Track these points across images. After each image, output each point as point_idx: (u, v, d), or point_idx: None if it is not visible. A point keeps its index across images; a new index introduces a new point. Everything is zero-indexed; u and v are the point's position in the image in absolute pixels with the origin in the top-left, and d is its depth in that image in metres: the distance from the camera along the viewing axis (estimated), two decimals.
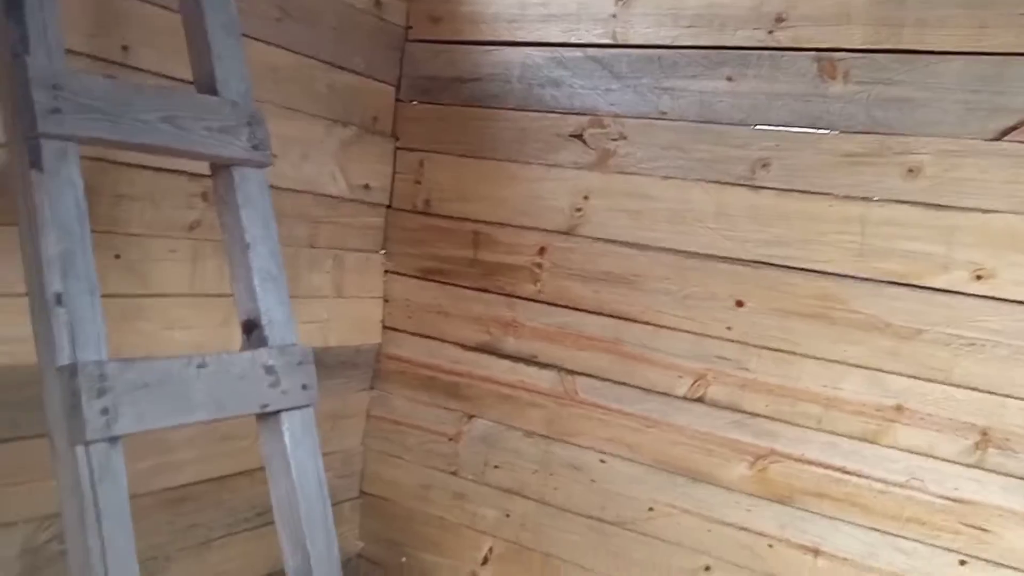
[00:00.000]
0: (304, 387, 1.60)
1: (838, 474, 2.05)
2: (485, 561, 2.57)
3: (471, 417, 2.60)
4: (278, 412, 1.56)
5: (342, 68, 2.44)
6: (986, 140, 1.85)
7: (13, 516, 1.81)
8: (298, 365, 1.59)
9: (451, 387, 2.63)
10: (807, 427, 2.09)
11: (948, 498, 1.93)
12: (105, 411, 1.26)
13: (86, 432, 1.24)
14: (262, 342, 1.57)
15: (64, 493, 1.27)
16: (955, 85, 1.88)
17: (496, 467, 2.55)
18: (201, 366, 1.42)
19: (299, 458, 1.58)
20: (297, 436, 1.58)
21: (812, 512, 2.09)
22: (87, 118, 1.32)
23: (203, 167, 1.71)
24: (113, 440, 1.28)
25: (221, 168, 1.60)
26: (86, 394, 1.24)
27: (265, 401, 1.53)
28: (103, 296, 1.32)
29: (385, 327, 2.74)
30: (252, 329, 1.59)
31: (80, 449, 1.25)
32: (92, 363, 1.26)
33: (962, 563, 1.92)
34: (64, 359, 1.25)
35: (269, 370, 1.54)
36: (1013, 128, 1.83)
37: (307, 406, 1.61)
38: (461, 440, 2.61)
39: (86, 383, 1.24)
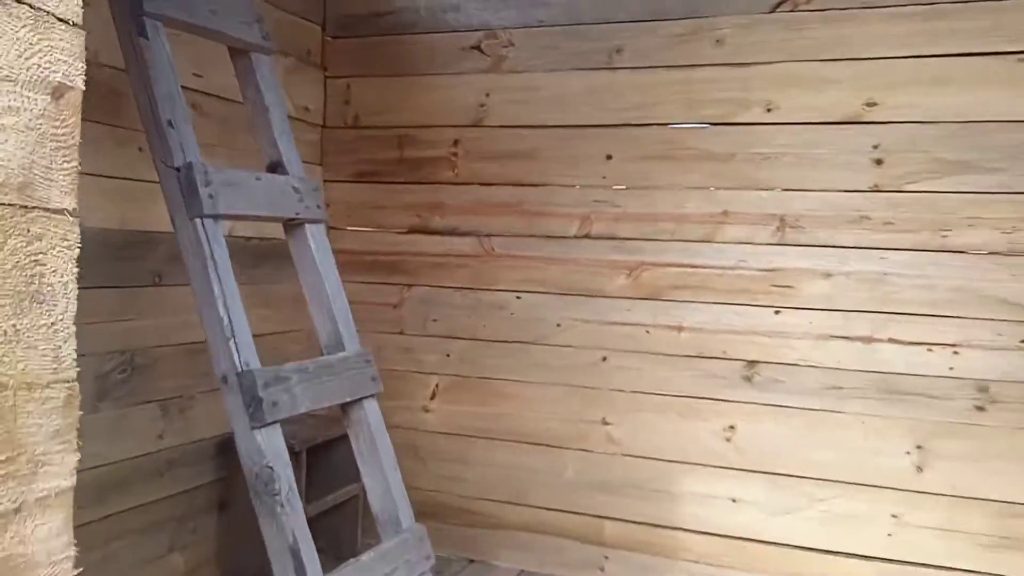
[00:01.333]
0: (318, 207, 2.24)
1: (689, 269, 2.87)
2: (433, 396, 3.24)
3: (410, 286, 3.26)
4: (303, 223, 2.20)
5: (282, 10, 3.06)
6: (765, 13, 2.71)
7: (85, 350, 2.33)
8: (313, 191, 2.23)
9: (391, 266, 3.28)
10: (665, 240, 2.89)
11: (763, 270, 2.78)
12: (210, 196, 1.88)
13: (202, 208, 1.85)
14: (284, 175, 2.20)
15: (188, 257, 1.87)
16: None
17: (434, 320, 3.22)
18: (258, 179, 2.05)
19: (321, 256, 2.22)
20: (318, 240, 2.22)
21: (674, 301, 2.89)
22: (171, 3, 1.92)
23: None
24: (216, 217, 1.89)
25: (240, 53, 2.22)
26: (200, 182, 1.85)
27: (297, 211, 2.16)
28: None
29: (331, 228, 3.35)
30: (276, 167, 2.22)
31: (198, 221, 1.85)
32: (198, 163, 1.87)
33: (776, 312, 2.77)
34: (179, 162, 1.86)
35: (296, 190, 2.17)
36: (782, 2, 2.69)
37: (322, 221, 2.25)
38: (403, 306, 3.27)
39: (198, 176, 1.85)
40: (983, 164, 2.54)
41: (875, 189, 2.65)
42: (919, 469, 2.65)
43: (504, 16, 3.03)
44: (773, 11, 2.71)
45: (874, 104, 2.63)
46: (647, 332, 2.93)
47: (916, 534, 2.66)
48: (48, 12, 0.83)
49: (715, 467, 2.85)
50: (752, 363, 2.80)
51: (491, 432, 3.12)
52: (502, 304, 3.12)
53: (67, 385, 0.90)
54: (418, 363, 3.26)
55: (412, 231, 3.24)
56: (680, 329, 2.89)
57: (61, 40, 0.85)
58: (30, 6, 0.81)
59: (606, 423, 2.96)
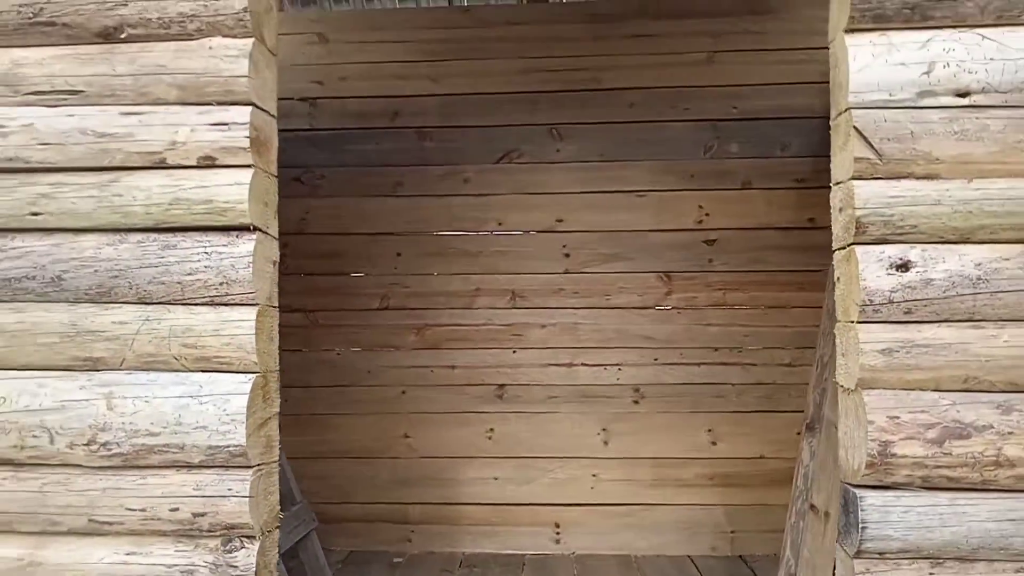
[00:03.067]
0: None
1: (457, 327, 4.31)
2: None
3: None
4: None
5: None
6: (493, 164, 4.29)
7: None
8: None
9: None
10: (439, 309, 4.31)
11: (504, 324, 4.30)
12: None
13: None
14: None
15: None
16: None
17: None
18: None
19: None
20: None
21: (448, 349, 4.31)
22: None
23: None
24: None
25: None
26: None
27: None
28: None
29: None
30: None
31: None
32: None
33: (514, 352, 4.29)
34: None
35: None
36: (502, 158, 4.28)
37: None
38: None
39: None
40: (623, 255, 4.27)
41: (566, 272, 4.28)
42: (606, 443, 4.26)
43: (319, 158, 4.34)
44: (498, 163, 4.29)
45: (562, 220, 4.27)
46: (431, 371, 4.31)
47: (608, 485, 4.25)
48: None
49: (482, 457, 4.27)
50: (501, 386, 4.28)
51: (323, 452, 4.30)
52: (326, 360, 4.34)
53: None
54: None
55: None
56: (453, 367, 4.31)
57: None
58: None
59: (407, 436, 4.28)
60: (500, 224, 4.32)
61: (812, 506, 3.27)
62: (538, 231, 4.31)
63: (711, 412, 4.23)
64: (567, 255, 4.30)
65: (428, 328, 4.30)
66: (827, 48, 1.97)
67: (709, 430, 4.22)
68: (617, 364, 4.28)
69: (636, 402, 4.28)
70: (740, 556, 4.14)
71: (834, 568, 2.43)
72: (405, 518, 4.27)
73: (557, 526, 4.26)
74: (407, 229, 4.31)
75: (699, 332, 4.25)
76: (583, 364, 4.29)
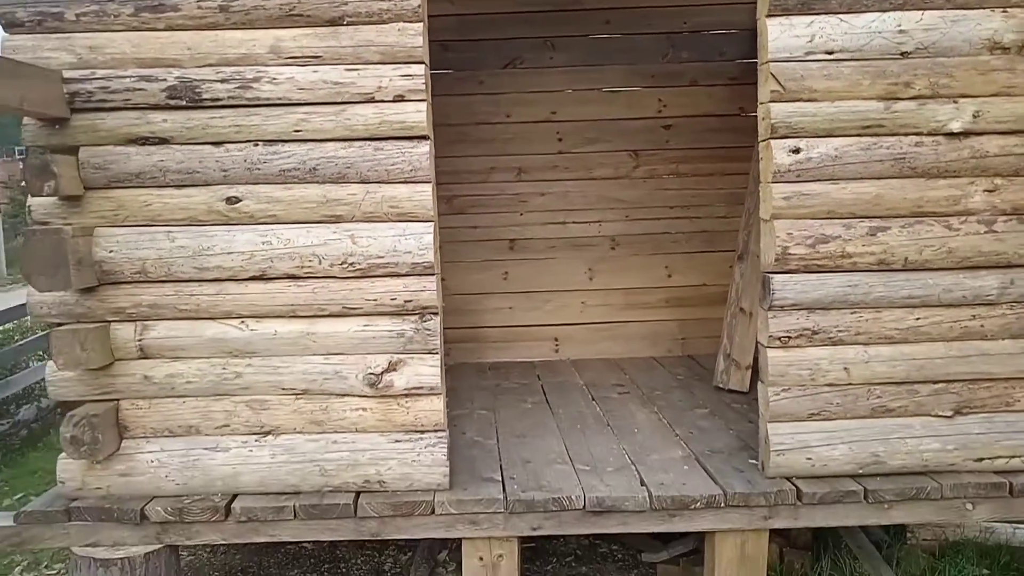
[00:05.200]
0: None
1: None
2: None
3: None
4: None
5: None
6: (500, 68, 5.56)
7: None
8: None
9: None
10: None
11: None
12: None
13: None
14: None
15: None
16: None
17: None
18: None
19: None
20: None
21: None
22: None
23: None
24: None
25: None
26: None
27: None
28: None
29: None
30: None
31: None
32: None
33: None
34: None
35: None
36: (508, 63, 5.56)
37: None
38: None
39: None
40: (602, 138, 5.65)
41: (559, 152, 5.67)
42: (591, 279, 5.78)
43: None
44: (504, 68, 5.57)
45: (555, 112, 5.63)
46: (458, 230, 5.68)
47: (593, 309, 5.79)
48: None
49: (499, 293, 5.75)
50: (512, 240, 5.74)
51: None
52: None
53: None
54: None
55: None
56: (475, 227, 5.70)
57: None
58: None
59: (443, 279, 5.69)
60: (508, 116, 5.65)
61: (741, 309, 4.88)
62: (537, 121, 5.66)
63: (668, 254, 5.77)
64: (560, 139, 5.68)
65: (455, 198, 5.66)
66: None
67: (666, 267, 5.78)
68: (598, 221, 5.75)
69: (613, 248, 5.78)
70: (689, 355, 5.77)
71: (755, 349, 3.99)
72: (445, 339, 5.74)
73: (556, 340, 5.82)
74: (437, 122, 5.57)
75: (659, 195, 5.73)
76: (573, 222, 5.75)
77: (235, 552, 4.55)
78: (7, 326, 7.11)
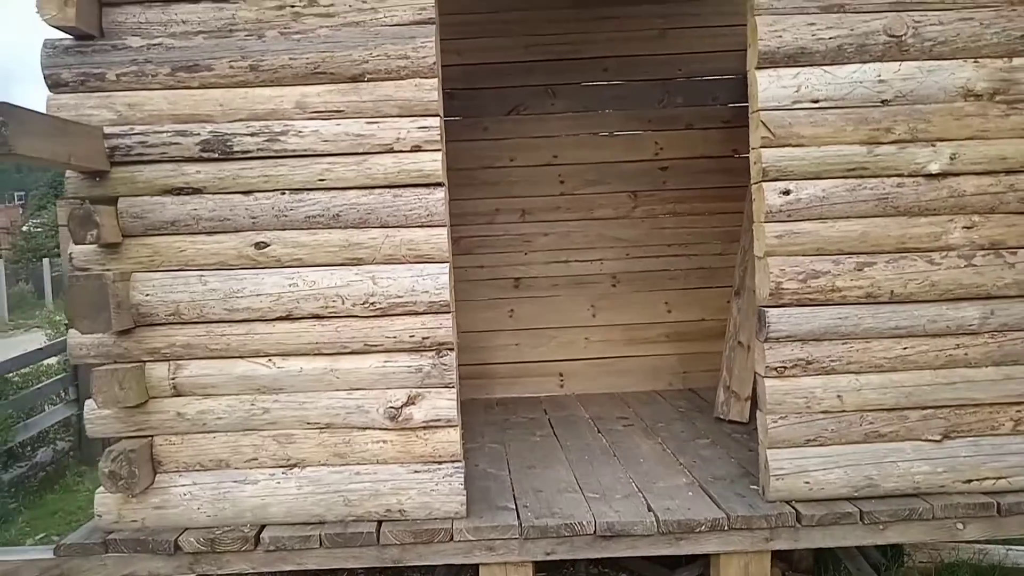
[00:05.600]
0: None
1: None
2: None
3: None
4: None
5: None
6: (504, 116, 5.83)
7: None
8: None
9: None
10: None
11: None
12: None
13: None
14: None
15: None
16: None
17: None
18: None
19: None
20: None
21: None
22: None
23: None
24: None
25: None
26: None
27: None
28: None
29: None
30: None
31: None
32: None
33: None
34: None
35: None
36: (511, 111, 5.83)
37: None
38: None
39: None
40: (602, 180, 5.90)
41: (561, 194, 5.92)
42: (593, 315, 5.99)
43: None
44: (508, 115, 5.84)
45: (557, 156, 5.89)
46: (466, 270, 5.91)
47: (596, 344, 6.00)
48: None
49: (506, 330, 5.95)
50: (517, 279, 5.96)
51: None
52: None
53: None
54: None
55: None
56: (482, 267, 5.93)
57: None
58: None
59: None
60: (512, 160, 5.91)
61: (739, 342, 5.09)
62: (540, 165, 5.92)
63: (667, 290, 5.99)
64: (562, 182, 5.93)
65: (463, 239, 5.89)
66: (744, 25, 3.54)
67: (666, 302, 6.00)
68: (600, 259, 5.98)
69: (614, 285, 6.01)
70: (690, 388, 5.97)
71: (754, 382, 4.19)
72: None
73: (561, 375, 6.02)
74: None
75: (657, 233, 5.97)
76: (576, 260, 5.98)
77: None
78: (25, 370, 7.28)
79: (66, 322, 8.00)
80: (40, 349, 7.48)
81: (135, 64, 3.37)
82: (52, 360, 7.91)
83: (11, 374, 7.11)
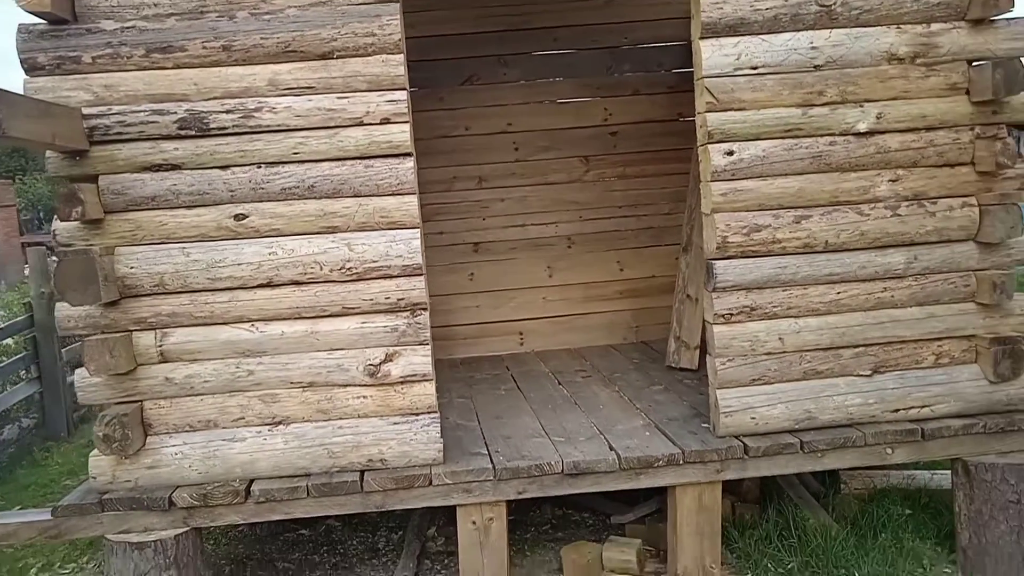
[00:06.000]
0: None
1: None
2: None
3: None
4: None
5: None
6: (459, 85, 6.03)
7: None
8: None
9: None
10: None
11: None
12: None
13: None
14: None
15: None
16: None
17: None
18: None
19: None
20: None
21: None
22: None
23: None
24: None
25: None
26: None
27: None
28: None
29: None
30: None
31: None
32: None
33: None
34: None
35: None
36: (464, 81, 6.03)
37: None
38: None
39: None
40: (555, 146, 6.15)
41: (516, 160, 6.15)
42: (550, 276, 6.27)
43: None
44: (462, 84, 6.03)
45: (511, 124, 6.11)
46: (427, 236, 6.12)
47: (553, 303, 6.28)
48: None
49: (466, 293, 6.21)
50: (476, 244, 6.18)
51: None
52: None
53: None
54: None
55: None
56: (441, 233, 6.15)
57: None
58: None
59: None
60: (467, 129, 6.12)
61: (688, 295, 5.42)
62: (494, 133, 6.14)
63: (619, 249, 6.29)
64: (516, 148, 6.17)
65: (422, 206, 6.02)
66: None
67: (618, 261, 6.31)
68: (555, 222, 6.25)
69: (569, 247, 6.29)
70: (643, 341, 6.30)
71: (703, 330, 4.51)
72: None
73: (521, 334, 6.31)
74: None
75: (609, 196, 6.26)
76: (532, 224, 6.24)
77: (238, 542, 4.93)
78: None
79: (26, 300, 8.03)
80: (1, 328, 7.50)
81: (110, 47, 3.50)
82: (9, 341, 7.93)
83: None
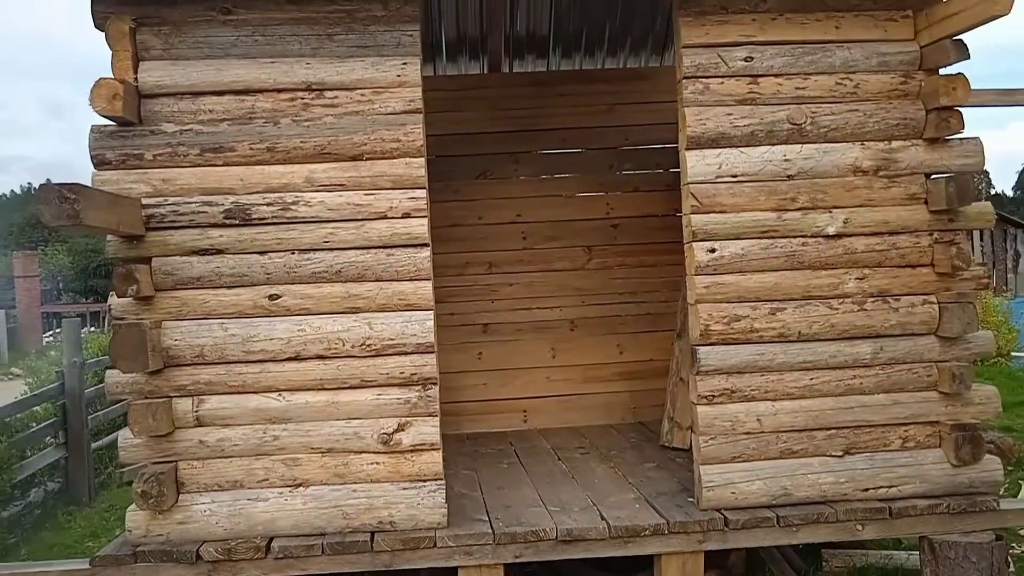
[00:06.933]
0: None
1: None
2: None
3: None
4: None
5: None
6: (473, 180, 6.56)
7: None
8: None
9: None
10: None
11: None
12: None
13: None
14: None
15: None
16: None
17: None
18: None
19: None
20: None
21: None
22: None
23: None
24: None
25: None
26: None
27: None
28: None
29: None
30: None
31: None
32: None
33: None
34: None
35: None
36: (479, 176, 6.56)
37: None
38: None
39: None
40: (560, 236, 6.63)
41: (524, 248, 6.63)
42: (554, 357, 6.67)
43: None
44: (476, 179, 6.56)
45: (520, 215, 6.62)
46: (439, 317, 6.56)
47: (556, 383, 6.67)
48: None
49: (474, 371, 6.60)
50: (485, 325, 6.62)
51: None
52: None
53: None
54: None
55: None
56: (452, 314, 6.58)
57: None
58: None
59: None
60: (480, 219, 6.64)
61: (681, 379, 5.79)
62: (505, 223, 6.64)
63: (619, 333, 6.72)
64: (524, 237, 6.67)
65: (436, 289, 6.48)
66: None
67: (618, 345, 6.72)
68: (559, 306, 6.69)
69: (572, 330, 6.71)
70: (640, 421, 6.65)
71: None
72: None
73: (525, 411, 6.68)
74: None
75: (609, 283, 6.72)
76: (537, 307, 6.68)
77: None
78: (21, 415, 7.69)
79: (58, 369, 8.44)
80: (35, 395, 7.91)
81: (169, 146, 4.02)
82: (37, 408, 8.29)
83: (8, 419, 7.52)
